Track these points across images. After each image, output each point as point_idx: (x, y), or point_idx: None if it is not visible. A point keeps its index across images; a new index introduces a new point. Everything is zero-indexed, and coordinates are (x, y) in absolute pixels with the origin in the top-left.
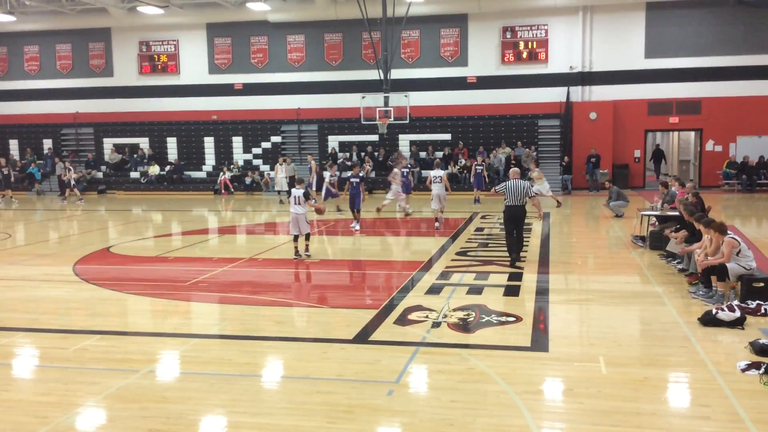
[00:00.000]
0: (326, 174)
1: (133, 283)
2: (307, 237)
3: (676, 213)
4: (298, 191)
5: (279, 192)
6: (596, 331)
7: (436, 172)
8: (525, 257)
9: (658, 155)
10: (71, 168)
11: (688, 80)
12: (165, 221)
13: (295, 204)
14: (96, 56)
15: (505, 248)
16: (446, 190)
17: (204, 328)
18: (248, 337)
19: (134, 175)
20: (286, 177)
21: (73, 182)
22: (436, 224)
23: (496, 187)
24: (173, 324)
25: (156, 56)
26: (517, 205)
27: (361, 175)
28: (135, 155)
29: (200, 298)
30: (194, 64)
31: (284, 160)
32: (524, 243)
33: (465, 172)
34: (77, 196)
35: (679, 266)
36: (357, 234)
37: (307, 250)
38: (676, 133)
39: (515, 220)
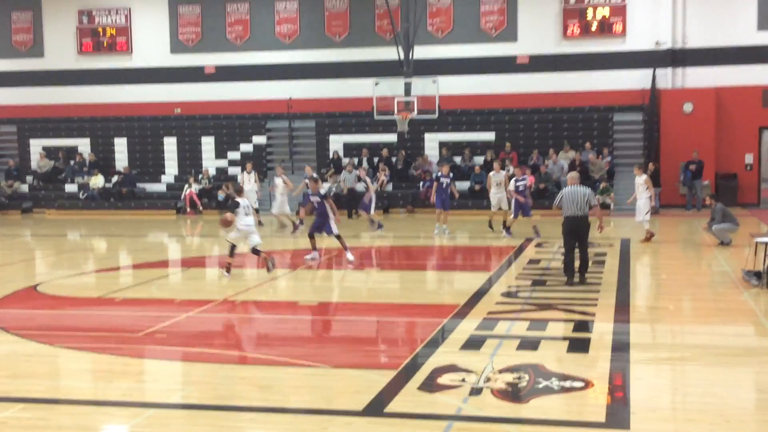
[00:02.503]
0: (325, 185)
1: (67, 334)
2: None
3: None
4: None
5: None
6: (695, 402)
7: (498, 175)
8: (596, 300)
9: None
10: None
11: None
12: (111, 250)
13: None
14: (20, 30)
15: (567, 287)
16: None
17: (163, 395)
18: (222, 407)
19: (70, 188)
20: (257, 190)
21: None
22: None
23: (554, 203)
24: (121, 389)
25: (101, 30)
26: (578, 216)
27: (322, 192)
28: (72, 162)
29: (158, 353)
30: (151, 41)
31: (251, 168)
32: (589, 263)
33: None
34: None
35: None
36: (350, 267)
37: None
38: None
39: (577, 234)
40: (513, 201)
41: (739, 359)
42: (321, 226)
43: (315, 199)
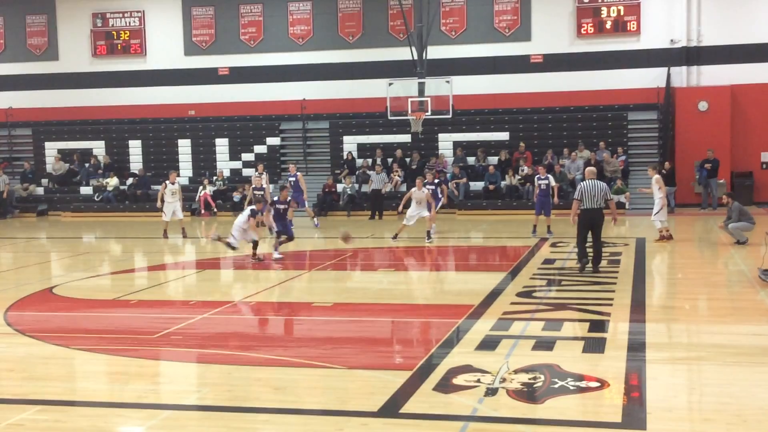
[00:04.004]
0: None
1: (83, 336)
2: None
3: None
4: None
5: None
6: (712, 402)
7: (545, 179)
8: (612, 299)
9: None
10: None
11: None
12: (126, 252)
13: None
14: (35, 33)
15: (582, 286)
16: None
17: (178, 397)
18: (237, 408)
19: (86, 190)
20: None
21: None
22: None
23: (574, 195)
24: (137, 391)
25: (115, 33)
26: (595, 208)
27: (288, 200)
28: (87, 164)
29: (173, 355)
30: (165, 43)
31: (263, 169)
32: (604, 252)
33: (529, 184)
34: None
35: None
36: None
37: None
38: None
39: (592, 225)
40: (537, 200)
41: (756, 359)
42: (285, 229)
43: (282, 206)
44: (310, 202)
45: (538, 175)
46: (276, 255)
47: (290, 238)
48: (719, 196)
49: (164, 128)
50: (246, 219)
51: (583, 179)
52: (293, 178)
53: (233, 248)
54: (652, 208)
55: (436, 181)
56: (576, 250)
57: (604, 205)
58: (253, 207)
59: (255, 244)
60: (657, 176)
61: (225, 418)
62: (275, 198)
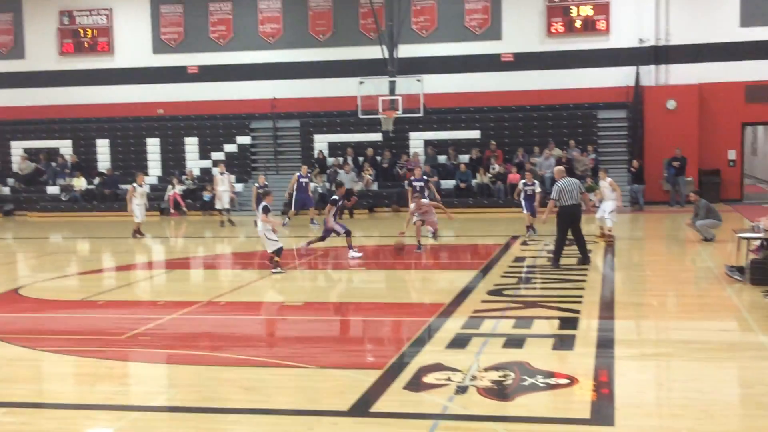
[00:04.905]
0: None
1: (50, 338)
2: (277, 253)
3: None
4: (261, 205)
5: (221, 211)
6: (679, 397)
7: (531, 185)
8: (581, 297)
9: None
10: None
11: None
12: (94, 252)
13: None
14: (1, 32)
15: (552, 284)
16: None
17: (147, 398)
18: (206, 409)
19: (52, 190)
20: (228, 191)
21: None
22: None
23: (552, 196)
24: (105, 392)
25: (82, 30)
26: (574, 204)
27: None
28: (53, 164)
29: (141, 356)
30: (133, 41)
31: (224, 168)
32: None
33: (499, 182)
34: None
35: None
36: None
37: (275, 266)
38: None
39: (573, 221)
40: (523, 202)
41: (722, 354)
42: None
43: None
44: (281, 201)
45: (524, 181)
46: (354, 254)
47: (323, 239)
48: (687, 193)
49: (132, 127)
50: (263, 218)
51: (554, 178)
52: (305, 179)
53: (278, 253)
54: (601, 209)
55: (424, 177)
56: (549, 247)
57: (581, 200)
58: (265, 203)
59: (279, 250)
60: (610, 179)
61: (194, 419)
62: (335, 197)
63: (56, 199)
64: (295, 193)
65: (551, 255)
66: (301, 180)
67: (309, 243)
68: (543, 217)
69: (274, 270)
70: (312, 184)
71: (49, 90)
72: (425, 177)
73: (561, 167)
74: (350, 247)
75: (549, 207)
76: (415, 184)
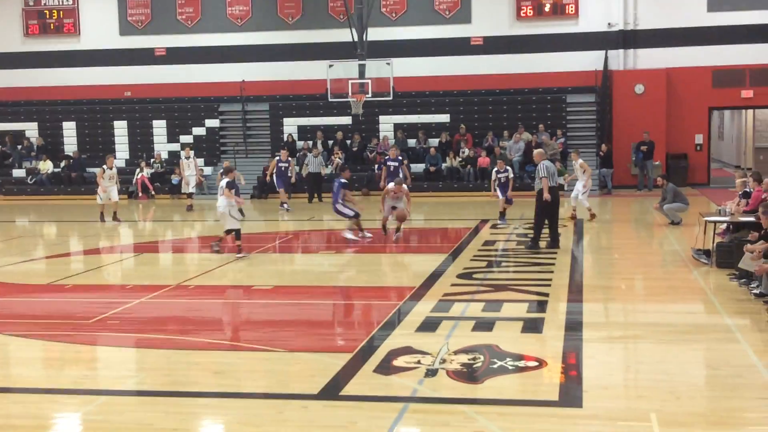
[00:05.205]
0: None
1: (17, 322)
2: (237, 236)
3: (752, 218)
4: (224, 180)
5: (189, 195)
6: (646, 379)
7: (504, 172)
8: (550, 280)
9: None
10: None
11: (767, 40)
12: (61, 236)
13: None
14: None
15: (522, 267)
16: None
17: (115, 382)
18: (176, 393)
19: (18, 173)
20: (195, 174)
21: None
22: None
23: (540, 175)
24: (72, 377)
25: (47, 12)
26: (555, 186)
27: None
28: (19, 146)
29: (110, 340)
30: (100, 22)
31: (189, 152)
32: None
33: (469, 166)
34: None
35: (757, 290)
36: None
37: (216, 248)
38: (750, 112)
39: (554, 203)
40: (498, 189)
41: (689, 336)
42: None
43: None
44: (250, 184)
45: (496, 169)
46: (367, 234)
47: (357, 216)
48: (654, 177)
49: (99, 110)
50: (227, 193)
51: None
52: (284, 164)
53: (237, 235)
54: (576, 189)
55: (399, 157)
56: (519, 231)
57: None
58: (229, 179)
59: (237, 232)
60: (581, 160)
61: (163, 403)
62: (343, 180)
63: (22, 182)
64: (275, 177)
65: (530, 237)
66: (280, 164)
67: (352, 229)
68: (545, 195)
69: (235, 254)
70: (296, 168)
71: (15, 72)
72: (400, 158)
73: (541, 150)
74: (360, 229)
75: (544, 184)
76: (390, 164)
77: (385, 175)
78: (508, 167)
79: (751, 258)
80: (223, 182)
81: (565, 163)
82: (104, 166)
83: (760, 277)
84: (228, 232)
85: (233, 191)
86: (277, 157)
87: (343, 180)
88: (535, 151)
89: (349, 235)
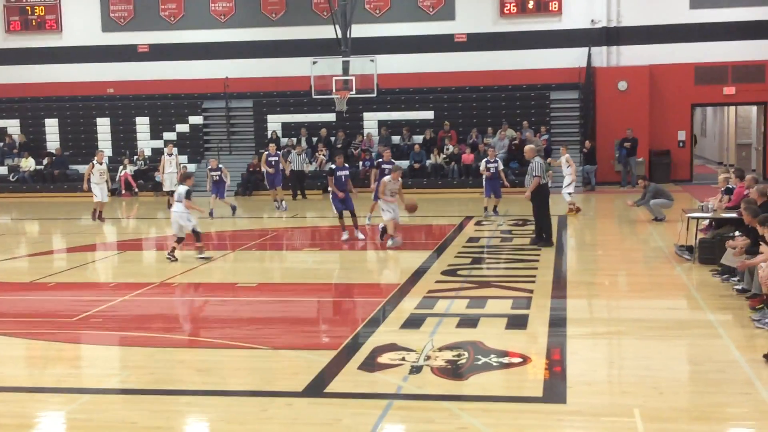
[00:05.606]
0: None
1: None
2: (197, 237)
3: (734, 215)
4: (182, 188)
5: (170, 193)
6: (630, 375)
7: (494, 162)
8: (534, 277)
9: None
10: None
11: (748, 38)
12: (43, 234)
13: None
14: None
15: (506, 264)
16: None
17: (98, 380)
18: (159, 391)
19: (0, 170)
20: (176, 172)
21: None
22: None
23: (534, 173)
24: (56, 375)
25: (29, 8)
26: (546, 182)
27: None
28: (1, 144)
29: (93, 338)
30: (82, 19)
31: (171, 149)
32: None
33: (453, 163)
34: None
35: (739, 285)
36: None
37: (172, 254)
38: (732, 108)
39: (547, 198)
40: (485, 182)
41: (672, 332)
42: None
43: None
44: (234, 181)
45: (486, 159)
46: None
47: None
48: (637, 176)
49: (82, 106)
50: (187, 204)
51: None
52: (274, 158)
53: (197, 237)
54: (564, 183)
55: (392, 161)
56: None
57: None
58: (188, 187)
59: (197, 234)
60: (567, 155)
61: (147, 401)
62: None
63: (4, 179)
64: (266, 176)
65: (535, 234)
66: (270, 159)
67: (385, 230)
68: (527, 193)
69: (200, 255)
70: (289, 164)
71: None
72: (393, 161)
73: (532, 146)
74: (356, 226)
75: (534, 183)
76: (384, 167)
77: (376, 178)
78: (498, 159)
79: (733, 254)
80: (182, 189)
81: (551, 158)
82: (94, 161)
83: (742, 273)
84: (180, 240)
85: (191, 200)
86: (266, 152)
87: (333, 167)
88: (527, 147)
89: (389, 243)
